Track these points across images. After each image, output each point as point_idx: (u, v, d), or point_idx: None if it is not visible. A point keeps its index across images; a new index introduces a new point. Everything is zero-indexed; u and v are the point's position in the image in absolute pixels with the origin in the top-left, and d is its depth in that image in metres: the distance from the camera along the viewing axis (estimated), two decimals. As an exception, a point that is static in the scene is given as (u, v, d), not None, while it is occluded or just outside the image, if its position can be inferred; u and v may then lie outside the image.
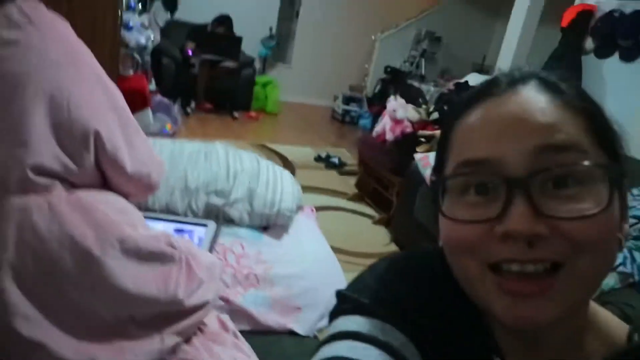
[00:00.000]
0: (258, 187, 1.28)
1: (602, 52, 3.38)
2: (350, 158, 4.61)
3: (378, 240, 3.10)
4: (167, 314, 0.92)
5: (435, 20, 6.84)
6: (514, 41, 3.59)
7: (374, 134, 3.61)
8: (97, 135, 0.89)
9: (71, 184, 0.90)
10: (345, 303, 0.49)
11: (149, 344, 0.88)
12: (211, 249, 1.16)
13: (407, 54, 6.87)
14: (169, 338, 0.91)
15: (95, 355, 0.81)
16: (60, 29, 0.91)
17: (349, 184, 3.94)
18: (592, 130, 0.43)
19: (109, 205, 0.91)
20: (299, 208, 1.43)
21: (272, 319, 1.16)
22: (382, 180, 3.48)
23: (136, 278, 0.86)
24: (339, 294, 0.50)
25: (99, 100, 0.91)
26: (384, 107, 6.04)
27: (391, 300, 0.47)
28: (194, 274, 0.96)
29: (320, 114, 6.71)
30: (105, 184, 0.95)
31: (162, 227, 1.14)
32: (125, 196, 0.98)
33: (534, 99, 0.44)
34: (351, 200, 3.62)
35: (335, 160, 4.40)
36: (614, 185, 0.41)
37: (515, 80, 0.46)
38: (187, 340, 0.96)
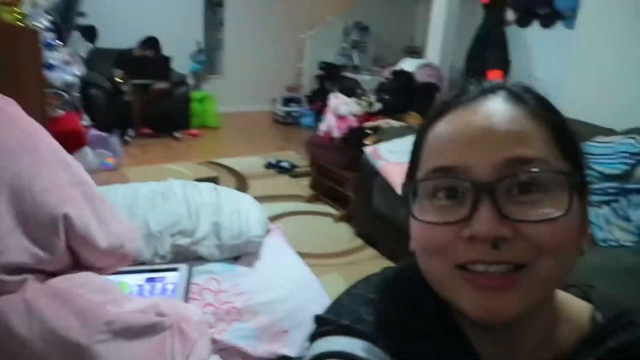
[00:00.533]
0: (222, 219, 1.26)
1: (523, 22, 3.55)
2: (299, 160, 4.61)
3: (342, 237, 3.13)
4: None
5: (361, 11, 6.93)
6: (441, 21, 3.69)
7: (321, 133, 3.64)
8: (66, 218, 0.85)
9: (44, 273, 0.86)
10: (325, 325, 0.49)
11: None
12: (187, 291, 1.13)
13: (338, 47, 6.94)
14: None
15: None
16: (10, 111, 0.87)
17: (302, 186, 3.95)
18: (554, 139, 0.46)
19: (87, 288, 0.87)
20: (268, 231, 1.42)
21: (262, 348, 1.15)
22: (335, 177, 3.51)
23: (130, 356, 0.83)
24: (318, 318, 0.51)
25: (61, 181, 0.87)
26: (325, 103, 6.11)
27: (371, 319, 0.48)
28: (187, 337, 0.94)
29: (262, 120, 6.67)
30: (78, 263, 0.91)
31: (133, 279, 1.11)
32: (100, 270, 0.94)
33: (502, 110, 0.46)
34: (308, 202, 3.63)
35: (286, 164, 4.40)
36: (573, 191, 0.43)
37: (484, 91, 0.48)
38: None
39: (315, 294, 1.34)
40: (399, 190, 2.53)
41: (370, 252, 2.96)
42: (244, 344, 1.13)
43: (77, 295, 0.84)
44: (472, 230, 0.42)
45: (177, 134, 5.26)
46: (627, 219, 2.05)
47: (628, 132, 2.37)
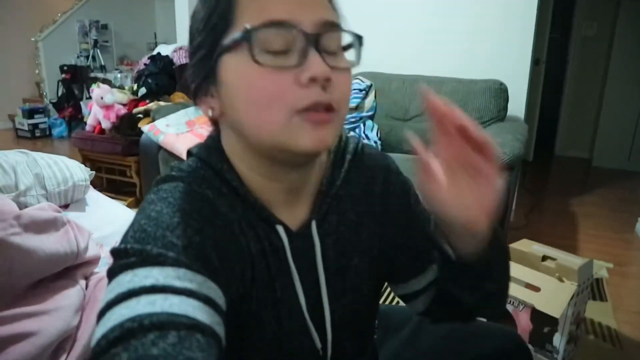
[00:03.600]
0: (43, 170, 1.30)
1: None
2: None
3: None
4: (75, 266, 1.00)
5: (95, 8, 6.62)
6: (185, 4, 3.90)
7: (88, 127, 3.53)
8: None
9: None
10: (129, 257, 0.43)
11: (66, 290, 0.94)
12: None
13: (78, 48, 6.52)
14: (82, 281, 0.99)
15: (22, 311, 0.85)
16: None
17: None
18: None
19: None
20: (91, 176, 1.50)
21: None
22: (115, 168, 3.48)
23: (43, 245, 0.91)
24: (119, 250, 0.45)
25: None
26: (75, 108, 5.75)
27: (179, 243, 0.45)
28: (82, 230, 1.03)
29: (3, 139, 5.84)
30: None
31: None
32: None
33: None
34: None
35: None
36: (361, 48, 0.55)
37: None
38: None
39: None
40: (185, 156, 2.72)
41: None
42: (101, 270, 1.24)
43: None
44: (311, 72, 0.47)
45: None
46: (367, 138, 2.71)
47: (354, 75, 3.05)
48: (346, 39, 0.54)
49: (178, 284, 0.41)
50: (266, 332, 0.57)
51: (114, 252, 0.45)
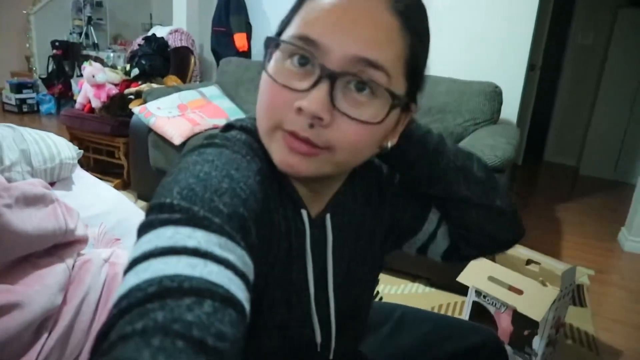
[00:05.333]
0: (30, 147, 1.27)
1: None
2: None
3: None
4: (63, 244, 0.98)
5: (89, -15, 6.52)
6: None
7: (78, 105, 3.48)
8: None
9: None
10: (174, 212, 0.41)
11: (52, 267, 0.93)
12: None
13: (71, 25, 6.41)
14: (69, 260, 0.97)
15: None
16: None
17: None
18: (406, 59, 0.51)
19: None
20: (79, 155, 1.48)
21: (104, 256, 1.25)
22: (102, 148, 3.44)
23: (31, 220, 0.89)
24: (163, 204, 0.42)
25: None
26: (65, 85, 5.66)
27: (225, 210, 0.43)
28: (70, 209, 1.02)
29: (-13, 112, 5.78)
30: None
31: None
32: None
33: (380, 10, 0.48)
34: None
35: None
36: (393, 109, 0.50)
37: None
38: None
39: (133, 207, 1.48)
40: (175, 140, 2.71)
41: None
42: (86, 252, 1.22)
43: None
44: (302, 103, 0.47)
45: None
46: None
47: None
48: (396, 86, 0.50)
49: (219, 252, 0.40)
50: (276, 314, 0.58)
51: (155, 205, 0.43)
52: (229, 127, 0.59)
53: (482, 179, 0.67)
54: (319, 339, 0.62)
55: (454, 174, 0.65)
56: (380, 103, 0.49)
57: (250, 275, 0.43)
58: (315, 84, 0.47)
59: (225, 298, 0.37)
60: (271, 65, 0.50)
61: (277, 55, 0.50)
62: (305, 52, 0.48)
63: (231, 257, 0.40)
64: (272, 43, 0.51)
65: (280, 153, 0.50)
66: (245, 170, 0.49)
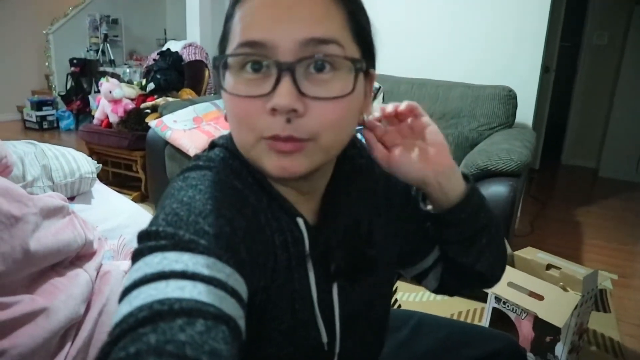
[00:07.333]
0: (50, 162, 1.30)
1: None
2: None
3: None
4: (85, 256, 1.01)
5: (105, 3, 6.65)
6: (195, 4, 3.93)
7: (96, 121, 3.55)
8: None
9: None
10: (160, 239, 0.43)
11: (77, 278, 0.95)
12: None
13: (87, 42, 6.56)
14: (92, 272, 1.00)
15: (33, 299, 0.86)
16: None
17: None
18: (350, 25, 0.51)
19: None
20: (98, 169, 1.51)
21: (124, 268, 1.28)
22: (120, 162, 3.49)
23: (54, 229, 0.92)
24: (150, 232, 0.44)
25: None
26: (83, 101, 5.78)
27: (211, 231, 0.44)
28: (86, 221, 1.04)
29: (11, 130, 5.90)
30: None
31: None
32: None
33: None
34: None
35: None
36: (358, 75, 0.51)
37: None
38: None
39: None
40: (191, 152, 2.74)
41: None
42: (108, 264, 1.24)
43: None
44: (272, 103, 0.46)
45: None
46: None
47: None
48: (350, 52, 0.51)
49: (207, 272, 0.41)
50: (282, 323, 0.57)
51: (143, 234, 0.45)
52: (213, 145, 0.60)
53: (497, 228, 0.69)
54: (325, 339, 0.62)
55: (483, 229, 0.66)
56: (344, 74, 0.50)
57: (243, 293, 0.44)
58: (277, 82, 0.47)
59: (217, 316, 0.38)
60: (228, 83, 0.50)
61: (229, 71, 0.50)
62: (256, 57, 0.48)
63: (220, 275, 0.41)
64: (220, 62, 0.51)
65: (270, 160, 0.50)
66: (229, 189, 0.51)
